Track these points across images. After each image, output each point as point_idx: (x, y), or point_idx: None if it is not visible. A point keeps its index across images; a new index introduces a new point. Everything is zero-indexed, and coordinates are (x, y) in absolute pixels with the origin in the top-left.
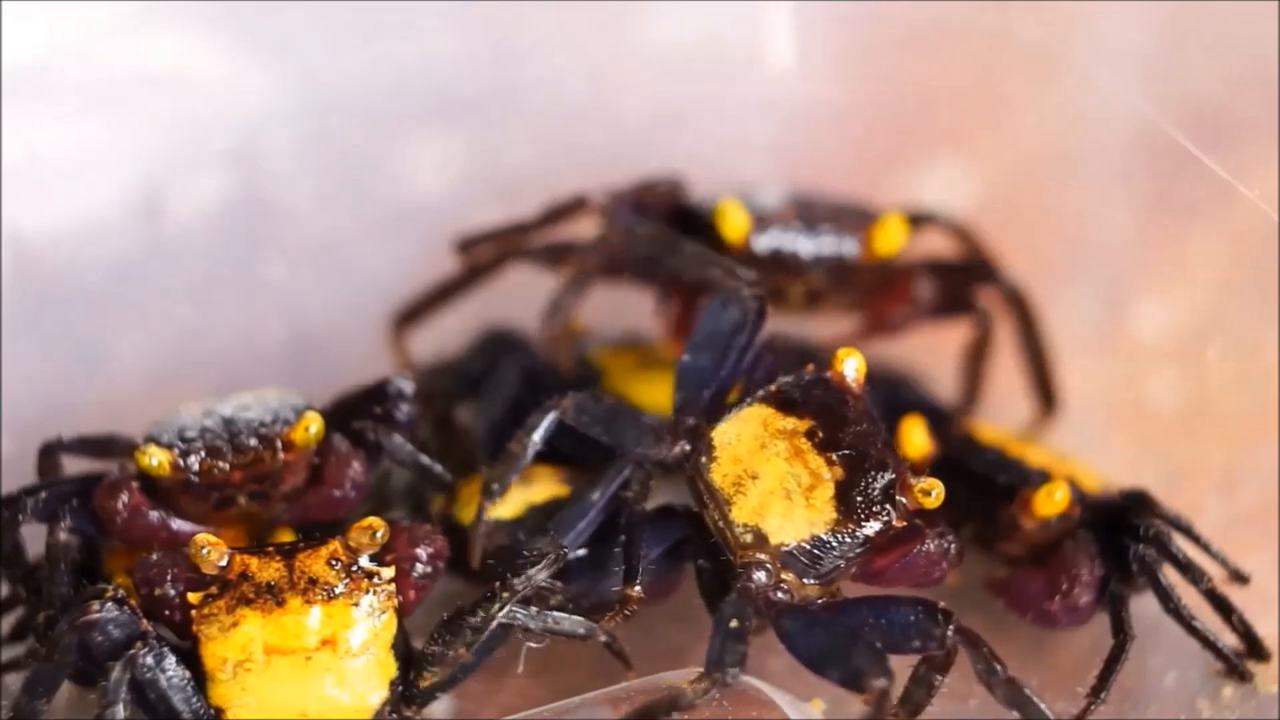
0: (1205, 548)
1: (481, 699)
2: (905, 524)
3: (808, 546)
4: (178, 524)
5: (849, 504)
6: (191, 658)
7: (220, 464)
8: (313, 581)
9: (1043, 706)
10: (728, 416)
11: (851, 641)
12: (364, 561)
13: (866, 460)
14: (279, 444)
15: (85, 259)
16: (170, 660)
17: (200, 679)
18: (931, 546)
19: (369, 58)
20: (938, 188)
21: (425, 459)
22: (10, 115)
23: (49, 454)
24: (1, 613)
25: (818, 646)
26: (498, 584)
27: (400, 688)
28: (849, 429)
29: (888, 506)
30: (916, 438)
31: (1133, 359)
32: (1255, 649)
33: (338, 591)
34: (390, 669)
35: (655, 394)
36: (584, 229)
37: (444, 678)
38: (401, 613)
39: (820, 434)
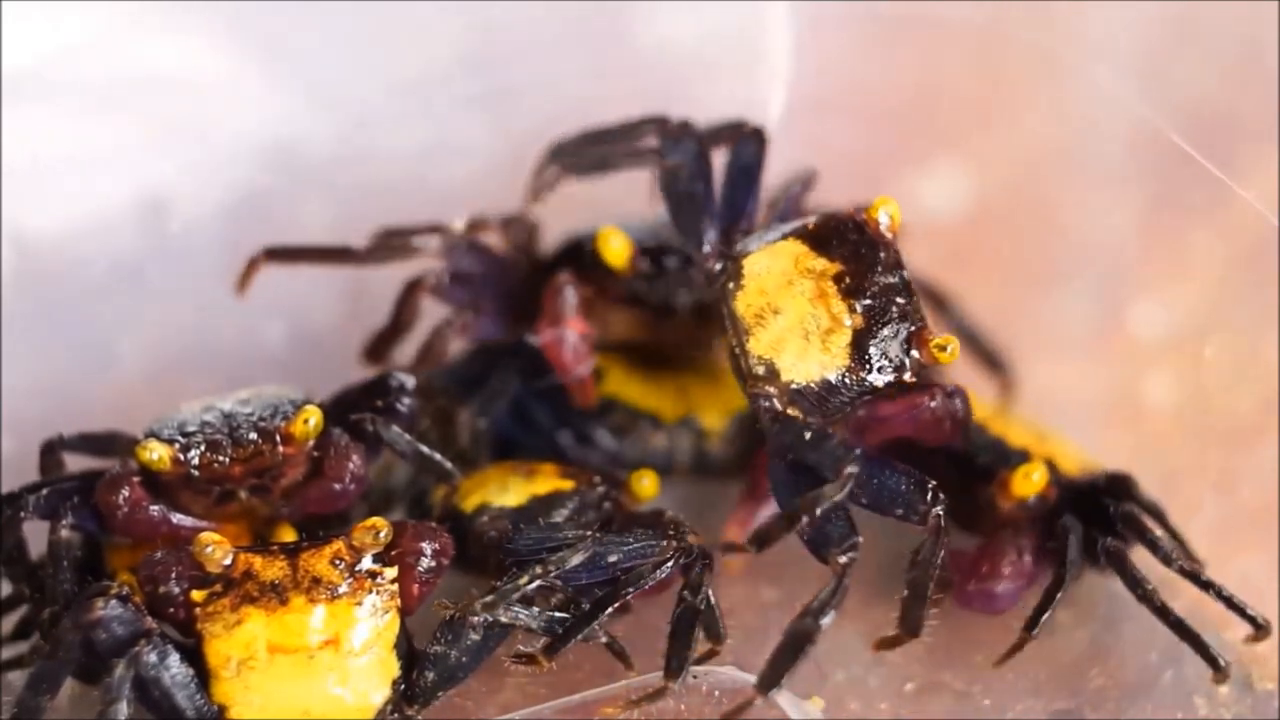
0: (1179, 540)
1: (481, 698)
2: (916, 379)
3: (816, 388)
4: (178, 519)
5: (863, 353)
6: (195, 655)
7: (220, 458)
8: (316, 580)
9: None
10: (761, 245)
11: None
12: (367, 562)
13: (887, 314)
14: (278, 437)
15: (86, 258)
16: (174, 658)
17: (203, 677)
18: (938, 402)
19: (369, 58)
20: (936, 188)
21: (425, 449)
22: (11, 115)
23: (50, 451)
24: (3, 611)
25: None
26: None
27: (402, 686)
28: (876, 279)
29: (902, 360)
30: None
31: (1131, 358)
32: (1251, 621)
33: (341, 591)
34: (392, 668)
35: (655, 397)
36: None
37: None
38: (404, 612)
39: (847, 279)
